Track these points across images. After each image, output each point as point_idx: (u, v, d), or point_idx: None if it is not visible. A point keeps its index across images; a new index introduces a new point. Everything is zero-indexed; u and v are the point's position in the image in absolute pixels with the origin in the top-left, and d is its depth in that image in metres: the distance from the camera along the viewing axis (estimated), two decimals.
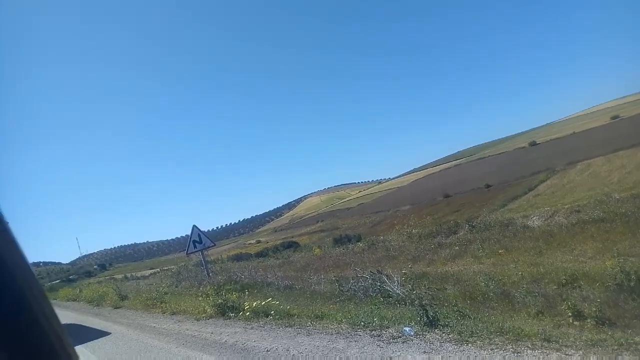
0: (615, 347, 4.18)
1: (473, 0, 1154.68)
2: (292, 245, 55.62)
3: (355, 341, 5.97)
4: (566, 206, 24.32)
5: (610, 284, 7.21)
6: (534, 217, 23.44)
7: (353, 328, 6.61)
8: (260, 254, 49.88)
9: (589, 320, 5.58)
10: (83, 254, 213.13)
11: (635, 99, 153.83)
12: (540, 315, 6.52)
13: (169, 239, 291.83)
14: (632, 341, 4.29)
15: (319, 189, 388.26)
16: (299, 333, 6.96)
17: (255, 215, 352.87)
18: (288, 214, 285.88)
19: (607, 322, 5.52)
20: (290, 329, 7.38)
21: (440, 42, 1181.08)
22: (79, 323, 13.70)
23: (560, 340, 4.60)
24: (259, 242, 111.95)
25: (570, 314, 5.88)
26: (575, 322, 5.70)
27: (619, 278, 7.12)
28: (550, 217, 22.13)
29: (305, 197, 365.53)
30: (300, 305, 9.58)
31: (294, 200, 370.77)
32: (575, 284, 8.14)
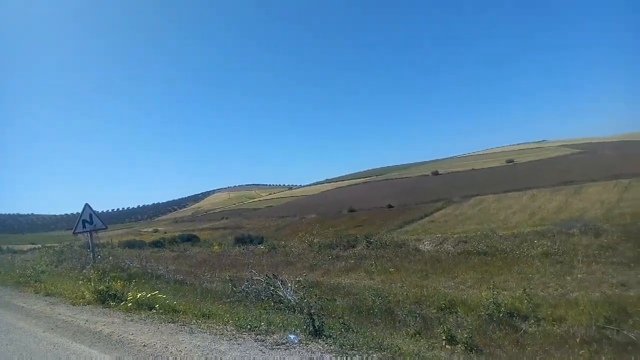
0: None
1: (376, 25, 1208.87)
2: (191, 239, 53.76)
3: (239, 344, 5.80)
4: (455, 235, 26.26)
5: (482, 313, 7.83)
6: (425, 241, 25.02)
7: (238, 330, 6.43)
8: (156, 244, 47.66)
9: (459, 345, 5.98)
10: None
11: (530, 147, 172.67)
12: (417, 335, 6.87)
13: (57, 214, 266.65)
14: None
15: (229, 186, 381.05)
16: (182, 330, 6.62)
17: (157, 203, 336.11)
18: (193, 206, 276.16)
19: (476, 348, 5.96)
20: (172, 325, 6.99)
21: (361, 58, 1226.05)
22: None
23: None
24: (156, 231, 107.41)
25: (444, 337, 6.28)
26: (448, 346, 6.08)
27: (491, 308, 7.77)
28: (440, 243, 23.76)
29: (213, 192, 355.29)
30: (189, 302, 9.18)
31: (201, 193, 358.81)
32: (452, 310, 8.74)
